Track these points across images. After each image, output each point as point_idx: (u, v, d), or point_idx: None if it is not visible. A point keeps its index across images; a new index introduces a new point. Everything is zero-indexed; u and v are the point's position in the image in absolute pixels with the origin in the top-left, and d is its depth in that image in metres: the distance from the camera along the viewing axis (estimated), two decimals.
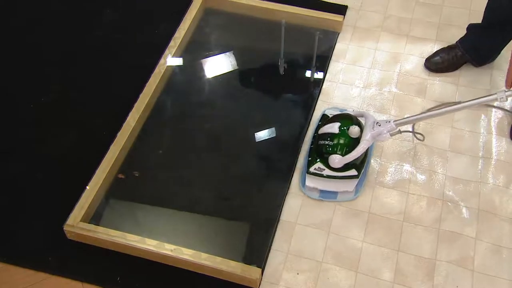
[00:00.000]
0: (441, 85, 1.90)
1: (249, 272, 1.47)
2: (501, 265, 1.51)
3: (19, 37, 2.12)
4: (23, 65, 2.04)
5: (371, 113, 1.78)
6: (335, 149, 1.59)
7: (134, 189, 1.72)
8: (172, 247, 1.53)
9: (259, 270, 1.49)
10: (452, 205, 1.62)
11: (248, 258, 1.53)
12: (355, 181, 1.64)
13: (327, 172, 1.62)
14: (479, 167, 1.70)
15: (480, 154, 1.73)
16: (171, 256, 1.51)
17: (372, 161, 1.73)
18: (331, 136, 1.61)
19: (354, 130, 1.58)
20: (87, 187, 1.64)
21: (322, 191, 1.66)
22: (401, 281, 1.49)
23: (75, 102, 1.93)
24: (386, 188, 1.67)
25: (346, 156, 1.57)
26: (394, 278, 1.50)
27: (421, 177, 1.69)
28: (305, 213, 1.63)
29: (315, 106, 1.87)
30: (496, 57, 1.91)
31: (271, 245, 1.57)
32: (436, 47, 2.00)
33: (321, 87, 1.93)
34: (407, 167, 1.71)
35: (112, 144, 1.75)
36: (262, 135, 1.83)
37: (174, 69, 2.01)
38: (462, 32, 1.93)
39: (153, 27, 2.15)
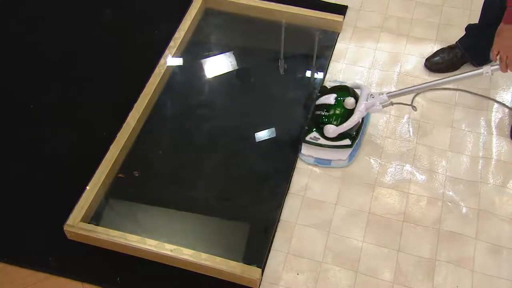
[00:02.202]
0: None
1: (249, 272, 1.48)
2: (501, 265, 1.51)
3: (19, 37, 2.12)
4: (22, 65, 2.04)
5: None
6: (330, 120, 1.66)
7: (134, 189, 1.73)
8: (172, 247, 1.53)
9: (259, 270, 1.49)
10: (452, 205, 1.63)
11: (248, 258, 1.53)
12: (349, 150, 1.70)
13: (322, 141, 1.69)
14: (479, 167, 1.70)
15: (480, 154, 1.73)
16: (171, 256, 1.52)
17: (372, 161, 1.73)
18: (327, 107, 1.69)
19: (349, 101, 1.65)
20: (87, 187, 1.65)
21: (317, 158, 1.71)
22: (401, 281, 1.49)
23: (74, 102, 1.93)
24: (386, 188, 1.67)
25: (340, 126, 1.64)
26: (394, 278, 1.50)
27: (421, 177, 1.69)
28: (305, 213, 1.63)
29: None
30: None
31: (271, 245, 1.58)
32: (436, 47, 2.00)
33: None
34: (407, 167, 1.72)
35: (112, 144, 1.75)
36: (262, 135, 1.83)
37: (174, 70, 2.01)
38: (462, 32, 1.93)
39: (153, 27, 2.15)
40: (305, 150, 1.73)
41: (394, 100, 1.66)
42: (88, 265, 1.56)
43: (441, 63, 1.93)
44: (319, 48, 2.08)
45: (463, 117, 1.83)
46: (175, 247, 1.53)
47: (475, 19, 1.88)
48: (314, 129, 1.70)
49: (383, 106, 1.65)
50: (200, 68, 2.04)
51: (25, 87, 1.97)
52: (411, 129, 1.80)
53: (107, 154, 1.73)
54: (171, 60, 1.99)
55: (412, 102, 1.77)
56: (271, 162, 1.76)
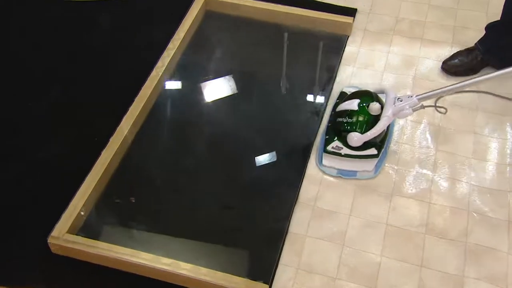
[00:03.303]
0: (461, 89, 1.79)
1: None
2: None
3: (11, 39, 2.02)
4: (13, 69, 1.92)
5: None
6: (354, 127, 1.53)
7: (128, 198, 1.59)
8: (169, 261, 1.38)
9: (266, 286, 1.34)
10: (479, 216, 1.49)
11: (253, 273, 1.38)
12: (375, 160, 1.56)
13: (345, 151, 1.56)
14: (507, 175, 1.57)
15: (508, 161, 1.60)
16: (168, 271, 1.37)
17: (388, 168, 1.60)
18: (350, 113, 1.56)
19: (374, 107, 1.52)
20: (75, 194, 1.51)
21: (340, 169, 1.58)
22: None
23: (67, 105, 1.81)
24: (405, 197, 1.54)
25: (366, 134, 1.51)
26: None
27: (443, 186, 1.56)
28: (316, 224, 1.50)
29: (324, 111, 1.75)
30: None
31: (279, 259, 1.43)
32: (453, 50, 1.89)
33: (331, 91, 1.81)
34: (427, 175, 1.59)
35: (104, 150, 1.62)
36: (268, 140, 1.70)
37: (172, 72, 1.89)
38: (480, 34, 1.83)
39: (152, 28, 2.04)
40: (326, 161, 1.59)
41: (425, 103, 1.53)
42: (75, 282, 1.42)
43: (459, 65, 1.82)
44: (328, 51, 1.97)
45: (486, 122, 1.70)
46: (172, 261, 1.39)
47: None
48: (336, 137, 1.57)
49: (414, 110, 1.51)
50: (200, 71, 1.92)
51: (15, 91, 1.86)
52: (430, 135, 1.68)
53: (98, 160, 1.59)
54: (169, 62, 1.87)
55: (435, 104, 1.65)
56: (278, 169, 1.63)
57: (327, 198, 1.55)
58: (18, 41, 2.01)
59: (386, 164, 1.61)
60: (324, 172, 1.59)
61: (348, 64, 1.91)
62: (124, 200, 1.57)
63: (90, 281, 1.41)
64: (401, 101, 1.51)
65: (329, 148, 1.58)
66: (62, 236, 1.43)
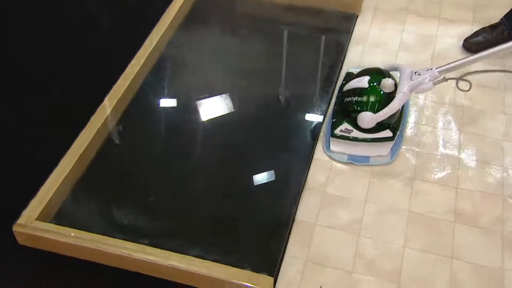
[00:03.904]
0: (485, 66, 1.62)
1: (258, 281, 1.14)
2: None
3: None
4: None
5: None
6: (365, 106, 1.35)
7: (111, 179, 1.40)
8: (158, 251, 1.19)
9: (271, 279, 1.15)
10: None
11: (256, 265, 1.18)
12: (390, 144, 1.39)
13: (355, 133, 1.38)
14: None
15: None
16: (155, 263, 1.17)
17: (407, 151, 1.42)
18: (360, 91, 1.38)
19: (387, 83, 1.35)
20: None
21: (351, 155, 1.41)
22: None
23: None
24: (429, 182, 1.36)
25: (379, 114, 1.33)
26: None
27: (472, 170, 1.38)
28: (326, 212, 1.31)
29: (332, 93, 1.58)
30: None
31: (284, 250, 1.24)
32: (474, 29, 1.73)
33: (340, 72, 1.64)
34: (452, 158, 1.41)
35: (85, 128, 1.44)
36: (273, 126, 1.52)
37: (162, 51, 1.72)
38: (504, 12, 1.67)
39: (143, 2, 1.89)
40: (335, 146, 1.42)
41: (448, 75, 1.35)
42: (46, 278, 1.23)
43: (482, 42, 1.66)
44: (336, 30, 1.81)
45: None
46: (161, 251, 1.19)
47: None
48: (345, 119, 1.39)
49: (434, 84, 1.33)
50: (197, 49, 1.75)
51: None
52: (453, 116, 1.51)
53: (75, 142, 1.41)
54: (159, 40, 1.70)
55: (457, 83, 1.49)
56: (283, 154, 1.45)
57: (338, 184, 1.37)
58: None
59: (404, 147, 1.44)
60: (332, 159, 1.41)
61: (358, 44, 1.75)
62: (106, 185, 1.38)
63: (62, 276, 1.22)
64: (419, 75, 1.34)
65: (337, 131, 1.40)
66: (31, 223, 1.24)
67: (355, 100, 1.38)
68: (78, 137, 1.42)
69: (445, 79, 1.35)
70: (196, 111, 1.56)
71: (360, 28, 1.80)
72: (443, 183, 1.36)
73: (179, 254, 1.19)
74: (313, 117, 1.53)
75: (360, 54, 1.71)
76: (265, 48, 1.77)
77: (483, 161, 1.40)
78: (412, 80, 1.33)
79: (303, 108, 1.56)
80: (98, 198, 1.36)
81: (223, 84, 1.65)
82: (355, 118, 1.37)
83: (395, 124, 1.40)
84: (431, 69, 1.34)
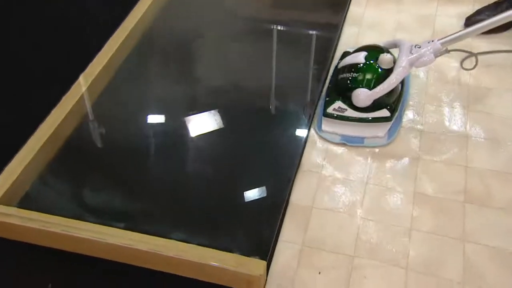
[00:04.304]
0: (490, 46, 1.54)
1: (249, 266, 1.01)
2: None
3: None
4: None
5: None
6: (361, 83, 1.25)
7: (86, 157, 1.28)
8: (136, 235, 1.06)
9: (263, 263, 1.02)
10: None
11: (246, 251, 1.06)
12: (387, 125, 1.28)
13: (349, 112, 1.27)
14: None
15: None
16: (132, 248, 1.05)
17: (412, 132, 1.31)
18: (355, 67, 1.28)
19: (385, 58, 1.25)
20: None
21: (344, 135, 1.30)
22: (474, 281, 1.04)
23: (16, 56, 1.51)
24: (435, 162, 1.25)
25: (375, 90, 1.23)
26: (463, 276, 1.04)
27: (481, 149, 1.28)
28: (323, 194, 1.20)
29: (327, 72, 1.48)
30: None
31: (278, 234, 1.12)
32: (476, 7, 1.65)
33: (334, 52, 1.55)
34: (459, 136, 1.31)
35: (55, 108, 1.32)
36: (265, 107, 1.42)
37: (148, 26, 1.61)
38: None
39: None
40: (326, 125, 1.31)
41: (450, 47, 1.27)
42: (6, 268, 1.10)
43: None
44: (329, 10, 1.72)
45: None
46: (140, 235, 1.06)
47: None
48: (338, 98, 1.29)
49: (436, 56, 1.25)
50: (180, 31, 1.65)
51: None
52: (458, 94, 1.41)
53: (47, 119, 1.29)
54: (145, 13, 1.60)
55: (462, 63, 1.41)
56: (276, 133, 1.33)
57: (336, 165, 1.26)
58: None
59: (408, 125, 1.33)
60: (324, 139, 1.30)
61: (353, 24, 1.65)
62: (79, 167, 1.26)
63: (25, 265, 1.08)
64: (420, 47, 1.26)
65: (329, 110, 1.30)
66: None
67: (350, 77, 1.28)
68: (49, 116, 1.30)
69: (448, 51, 1.26)
70: (178, 91, 1.44)
71: (355, 9, 1.71)
72: (450, 163, 1.25)
73: (161, 238, 1.06)
74: (307, 98, 1.42)
75: (355, 35, 1.62)
76: (257, 29, 1.67)
77: (493, 139, 1.29)
78: (412, 54, 1.25)
79: (297, 89, 1.46)
80: (70, 180, 1.23)
81: (209, 62, 1.54)
82: (350, 96, 1.27)
83: (393, 103, 1.29)
84: (432, 41, 1.26)
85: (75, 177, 1.24)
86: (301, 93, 1.44)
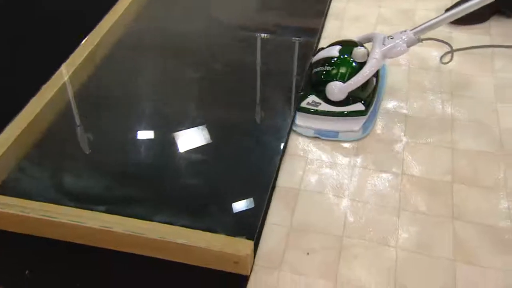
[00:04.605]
0: (470, 36, 1.52)
1: (236, 246, 0.96)
2: None
3: None
4: None
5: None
6: (335, 76, 1.21)
7: (65, 145, 1.22)
8: (116, 218, 1.00)
9: (250, 243, 0.97)
10: None
11: (232, 232, 1.00)
12: (362, 119, 1.23)
13: (323, 106, 1.23)
14: None
15: None
16: (111, 231, 0.98)
17: (396, 117, 1.28)
18: (329, 60, 1.25)
19: (359, 51, 1.22)
20: None
21: (318, 129, 1.24)
22: (465, 257, 0.99)
23: None
24: (421, 143, 1.22)
25: (349, 82, 1.19)
26: (454, 254, 1.00)
27: (466, 131, 1.24)
28: (310, 177, 1.15)
29: (310, 64, 1.44)
30: None
31: (265, 217, 1.07)
32: (455, 0, 1.64)
33: (317, 47, 1.51)
34: (444, 119, 1.28)
35: (35, 97, 1.26)
36: (249, 94, 1.37)
37: (132, 19, 1.57)
38: None
39: None
40: (301, 120, 1.26)
41: (424, 36, 1.25)
42: None
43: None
44: (310, 7, 1.69)
45: (504, 64, 1.42)
46: (120, 218, 1.00)
47: None
48: (312, 92, 1.26)
49: (409, 46, 1.22)
50: (168, 22, 1.61)
51: None
52: (439, 81, 1.38)
53: (27, 107, 1.23)
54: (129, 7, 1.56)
55: (442, 58, 1.41)
56: (261, 112, 1.29)
57: (323, 148, 1.22)
58: None
59: (392, 111, 1.30)
60: (299, 134, 1.25)
61: (336, 19, 1.63)
62: (60, 153, 1.20)
63: (9, 256, 1.02)
64: (392, 38, 1.23)
65: (303, 104, 1.25)
66: None
67: (324, 70, 1.24)
68: (27, 105, 1.24)
69: (420, 40, 1.24)
70: (161, 81, 1.40)
71: (336, 5, 1.69)
72: (436, 145, 1.21)
73: (139, 220, 1.00)
74: (292, 84, 1.38)
75: (337, 29, 1.59)
76: (237, 22, 1.64)
77: (476, 122, 1.27)
78: (385, 45, 1.22)
79: (280, 76, 1.42)
80: (49, 167, 1.17)
81: (192, 54, 1.50)
82: (324, 90, 1.23)
83: (368, 98, 1.25)
84: (405, 31, 1.23)
85: (54, 164, 1.18)
86: (285, 81, 1.40)
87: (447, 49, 1.38)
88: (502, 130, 1.24)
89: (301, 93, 1.29)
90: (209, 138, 1.23)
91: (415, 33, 1.23)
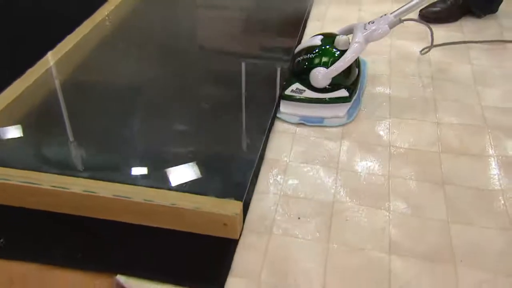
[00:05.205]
0: (446, 33, 1.51)
1: (225, 207, 0.87)
2: None
3: None
4: None
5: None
6: (318, 62, 1.16)
7: (48, 115, 1.14)
8: (100, 184, 0.92)
9: (239, 203, 0.89)
10: (502, 131, 1.13)
11: (221, 195, 0.92)
12: (347, 105, 1.17)
13: (308, 93, 1.16)
14: None
15: None
16: (95, 196, 0.90)
17: (380, 97, 1.24)
18: (312, 49, 1.19)
19: (341, 39, 1.17)
20: None
21: (303, 116, 1.18)
22: (458, 218, 0.93)
23: None
24: (407, 119, 1.17)
25: (332, 67, 1.13)
26: (446, 215, 0.93)
27: (451, 107, 1.21)
28: (299, 150, 1.09)
29: (293, 55, 1.40)
30: (501, 1, 1.57)
31: (254, 184, 0.99)
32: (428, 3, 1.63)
33: (299, 42, 1.48)
34: (428, 98, 1.24)
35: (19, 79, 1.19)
36: (234, 82, 1.32)
37: (125, 12, 1.52)
38: None
39: None
40: (285, 107, 1.19)
41: (403, 17, 1.21)
42: None
43: (439, 11, 1.56)
44: (293, 10, 1.67)
45: (479, 54, 1.40)
46: (104, 183, 0.92)
47: None
48: (296, 80, 1.19)
49: (390, 27, 1.18)
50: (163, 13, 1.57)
51: None
52: (422, 67, 1.36)
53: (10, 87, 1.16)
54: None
55: (422, 51, 1.39)
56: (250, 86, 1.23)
57: (311, 125, 1.16)
58: None
59: (377, 92, 1.25)
60: (283, 120, 1.18)
61: (317, 20, 1.61)
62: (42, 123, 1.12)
63: None
64: (373, 23, 1.19)
65: (287, 91, 1.19)
66: None
67: (307, 57, 1.19)
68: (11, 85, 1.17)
69: (401, 21, 1.20)
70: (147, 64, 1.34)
71: (317, 9, 1.67)
72: (422, 120, 1.17)
73: (121, 184, 0.92)
74: (279, 61, 1.33)
75: (319, 29, 1.56)
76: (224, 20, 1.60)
77: (458, 101, 1.23)
78: (366, 30, 1.18)
79: (269, 58, 1.38)
80: (30, 136, 1.09)
81: (183, 40, 1.46)
82: (307, 78, 1.17)
83: (352, 85, 1.20)
84: (385, 15, 1.20)
85: (35, 133, 1.09)
86: (273, 61, 1.35)
87: (428, 43, 1.35)
88: (484, 107, 1.20)
89: (284, 83, 1.23)
90: (201, 111, 1.16)
91: (395, 16, 1.19)
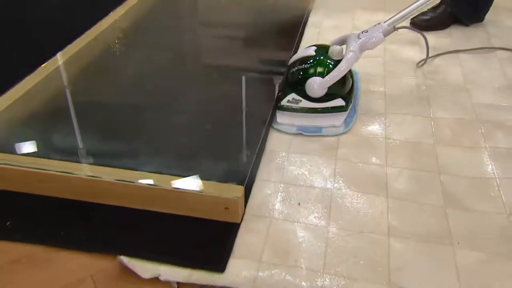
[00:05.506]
0: (436, 39, 1.53)
1: (226, 190, 0.87)
2: None
3: None
4: None
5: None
6: (313, 72, 1.13)
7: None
8: (103, 169, 0.91)
9: (241, 187, 0.89)
10: (493, 124, 1.13)
11: (223, 180, 0.92)
12: (343, 114, 1.15)
13: (304, 103, 1.14)
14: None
15: (507, 83, 1.30)
16: (99, 181, 0.89)
17: (375, 95, 1.24)
18: (307, 59, 1.16)
19: (335, 49, 1.15)
20: None
21: (300, 126, 1.15)
22: (454, 204, 0.93)
23: None
24: (402, 114, 1.18)
25: (327, 77, 1.11)
26: (443, 201, 0.93)
27: (443, 104, 1.21)
28: (298, 142, 1.09)
29: (288, 66, 1.41)
30: (487, 10, 1.60)
31: (256, 171, 0.99)
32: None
33: (295, 50, 1.50)
34: (421, 96, 1.25)
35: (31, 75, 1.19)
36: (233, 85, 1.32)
37: (134, 17, 1.54)
38: None
39: None
40: (282, 118, 1.16)
41: (398, 25, 1.21)
42: None
43: (429, 19, 1.59)
44: (290, 18, 1.70)
45: (468, 58, 1.42)
46: (110, 168, 0.92)
47: None
48: (292, 90, 1.16)
49: (385, 35, 1.18)
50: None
51: None
52: (414, 69, 1.37)
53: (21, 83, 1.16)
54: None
55: (418, 63, 1.39)
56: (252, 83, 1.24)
57: None
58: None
59: (372, 90, 1.26)
60: (280, 131, 1.15)
61: (314, 26, 1.63)
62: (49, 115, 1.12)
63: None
64: (367, 32, 1.18)
65: (283, 102, 1.16)
66: None
67: (302, 68, 1.16)
68: (22, 81, 1.17)
69: (396, 29, 1.19)
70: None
71: (314, 19, 1.70)
72: (416, 115, 1.17)
73: (123, 170, 0.91)
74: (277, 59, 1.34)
75: (315, 34, 1.58)
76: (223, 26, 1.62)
77: (451, 97, 1.24)
78: (360, 39, 1.16)
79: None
80: (36, 126, 1.08)
81: (185, 46, 1.47)
82: (303, 88, 1.14)
83: (347, 95, 1.18)
84: (379, 23, 1.19)
85: (41, 123, 1.09)
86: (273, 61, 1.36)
87: (420, 47, 1.36)
88: (475, 104, 1.21)
89: (279, 93, 1.20)
90: (207, 105, 1.16)
91: (388, 24, 1.19)
